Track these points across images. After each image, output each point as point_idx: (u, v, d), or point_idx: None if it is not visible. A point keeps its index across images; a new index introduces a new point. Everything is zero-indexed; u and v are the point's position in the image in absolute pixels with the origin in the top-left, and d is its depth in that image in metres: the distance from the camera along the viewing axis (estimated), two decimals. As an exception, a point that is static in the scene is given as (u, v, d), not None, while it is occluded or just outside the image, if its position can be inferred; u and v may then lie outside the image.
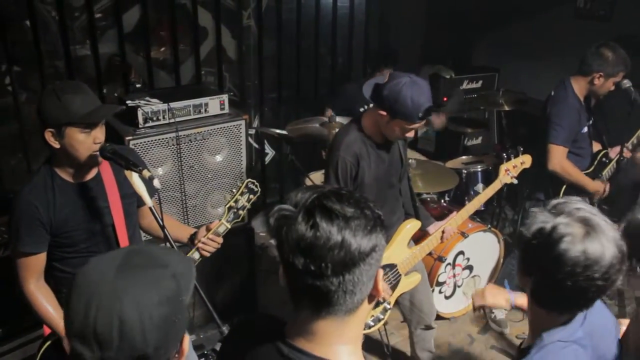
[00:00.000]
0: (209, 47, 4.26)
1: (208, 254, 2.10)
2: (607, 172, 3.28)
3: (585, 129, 3.18)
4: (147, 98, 2.88)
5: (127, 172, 1.91)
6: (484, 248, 3.62)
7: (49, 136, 1.85)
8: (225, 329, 1.93)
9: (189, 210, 3.00)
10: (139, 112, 2.73)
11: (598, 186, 3.21)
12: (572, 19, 4.54)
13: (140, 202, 2.08)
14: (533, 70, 4.59)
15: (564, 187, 3.16)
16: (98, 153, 1.90)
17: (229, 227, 2.10)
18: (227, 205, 2.10)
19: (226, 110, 3.04)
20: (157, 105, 2.81)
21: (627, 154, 3.23)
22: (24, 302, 1.97)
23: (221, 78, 4.29)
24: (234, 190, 2.13)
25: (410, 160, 3.40)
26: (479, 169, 4.07)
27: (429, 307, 2.90)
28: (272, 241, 4.12)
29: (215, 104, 2.99)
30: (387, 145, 2.50)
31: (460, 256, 3.49)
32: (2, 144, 3.58)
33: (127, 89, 3.83)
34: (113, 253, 1.05)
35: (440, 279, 3.44)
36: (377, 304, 2.51)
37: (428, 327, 2.92)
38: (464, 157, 4.35)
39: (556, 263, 1.27)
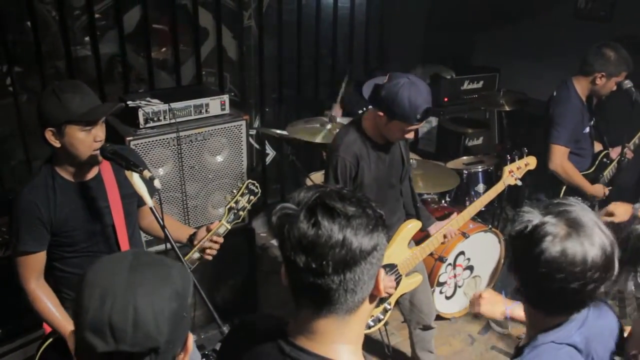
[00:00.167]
0: (210, 48, 4.26)
1: (211, 257, 2.10)
2: (608, 173, 3.27)
3: (587, 129, 3.18)
4: (148, 98, 2.88)
5: (127, 173, 1.91)
6: (485, 248, 3.61)
7: (49, 135, 1.85)
8: (226, 329, 1.92)
9: (190, 211, 3.01)
10: (140, 113, 2.74)
11: (597, 190, 3.20)
12: (573, 20, 4.53)
13: (141, 202, 2.09)
14: (533, 70, 4.58)
15: (564, 188, 3.15)
16: (98, 152, 1.91)
17: (229, 227, 2.11)
18: (228, 206, 2.10)
19: (227, 111, 3.04)
20: (157, 105, 2.81)
21: (628, 154, 3.23)
22: (24, 302, 1.97)
23: (222, 78, 4.29)
24: (235, 191, 2.13)
25: (411, 161, 3.39)
26: (480, 169, 4.06)
27: (428, 307, 2.90)
28: (273, 241, 4.16)
29: (216, 105, 2.99)
30: (388, 146, 2.49)
31: (461, 256, 3.49)
32: (3, 144, 3.58)
33: (126, 89, 3.83)
34: (121, 253, 1.13)
35: (441, 279, 3.44)
36: (380, 302, 2.51)
37: (427, 328, 2.92)
38: (464, 157, 4.34)
39: (534, 262, 1.25)
